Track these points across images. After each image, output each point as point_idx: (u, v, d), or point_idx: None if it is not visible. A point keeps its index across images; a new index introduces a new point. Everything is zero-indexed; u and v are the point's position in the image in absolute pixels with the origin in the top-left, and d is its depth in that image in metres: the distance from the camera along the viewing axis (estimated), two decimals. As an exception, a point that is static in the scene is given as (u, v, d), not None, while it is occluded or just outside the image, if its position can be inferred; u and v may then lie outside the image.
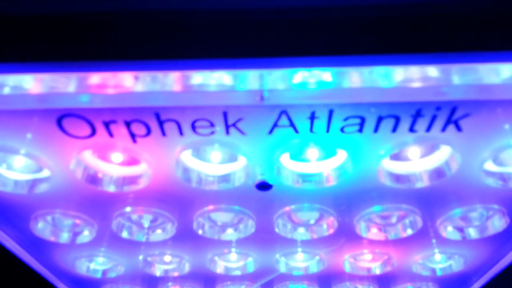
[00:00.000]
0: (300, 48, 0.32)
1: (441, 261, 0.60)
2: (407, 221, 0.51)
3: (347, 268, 0.62)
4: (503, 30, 0.32)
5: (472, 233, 0.51)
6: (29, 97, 0.30)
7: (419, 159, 0.39)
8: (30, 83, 0.30)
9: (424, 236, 0.52)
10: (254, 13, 0.33)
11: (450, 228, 0.51)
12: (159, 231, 0.53)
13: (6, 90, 0.30)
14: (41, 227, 0.50)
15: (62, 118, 0.32)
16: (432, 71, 0.30)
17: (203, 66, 0.30)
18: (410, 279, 0.66)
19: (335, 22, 0.33)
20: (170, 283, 0.68)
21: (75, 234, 0.53)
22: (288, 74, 0.31)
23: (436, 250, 0.57)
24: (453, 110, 0.31)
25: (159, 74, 0.30)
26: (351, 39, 0.32)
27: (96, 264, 0.62)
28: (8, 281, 0.70)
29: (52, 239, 0.51)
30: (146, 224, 0.52)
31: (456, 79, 0.30)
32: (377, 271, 0.62)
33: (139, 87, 0.30)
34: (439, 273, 0.62)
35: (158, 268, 0.63)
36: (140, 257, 0.58)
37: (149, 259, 0.61)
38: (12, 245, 0.53)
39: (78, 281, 0.66)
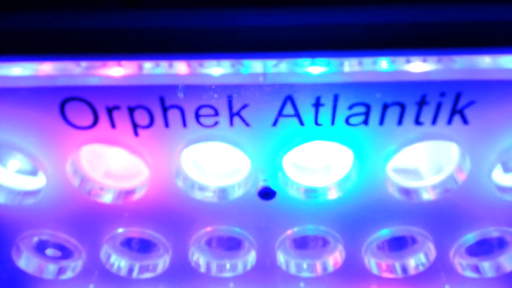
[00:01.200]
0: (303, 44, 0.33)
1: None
2: (418, 256, 0.47)
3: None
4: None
5: (487, 270, 0.47)
6: (36, 77, 0.31)
7: (427, 166, 0.38)
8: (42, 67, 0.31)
9: (436, 276, 0.49)
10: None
11: (464, 265, 0.48)
12: (150, 271, 0.49)
13: (17, 71, 0.31)
14: (26, 257, 0.46)
15: (66, 102, 0.32)
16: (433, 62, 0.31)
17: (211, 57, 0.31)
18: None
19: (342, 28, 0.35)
20: None
21: (61, 269, 0.49)
22: (293, 65, 0.31)
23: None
24: (457, 97, 0.31)
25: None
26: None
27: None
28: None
29: (37, 273, 0.47)
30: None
31: (456, 65, 0.31)
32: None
33: (146, 71, 0.31)
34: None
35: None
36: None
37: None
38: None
39: None
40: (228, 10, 0.35)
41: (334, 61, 0.31)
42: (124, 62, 0.32)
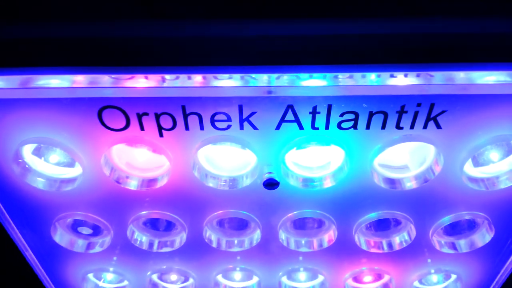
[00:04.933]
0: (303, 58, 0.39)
1: (438, 282, 0.63)
2: (402, 235, 0.54)
3: (348, 291, 0.64)
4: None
5: (463, 246, 0.55)
6: (78, 89, 0.37)
7: (409, 161, 0.45)
8: (80, 79, 0.37)
9: (418, 252, 0.56)
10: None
11: (442, 243, 0.55)
12: (168, 246, 0.56)
13: (56, 83, 0.37)
14: (61, 234, 0.53)
15: (103, 109, 0.38)
16: (413, 77, 0.37)
17: (222, 71, 0.37)
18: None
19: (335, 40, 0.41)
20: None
21: (90, 244, 0.56)
22: (293, 79, 0.37)
23: (432, 270, 0.60)
24: (431, 107, 0.37)
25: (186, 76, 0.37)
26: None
27: (104, 282, 0.64)
28: None
29: (69, 247, 0.54)
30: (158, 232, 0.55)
31: (434, 81, 0.36)
32: (377, 295, 0.64)
33: (169, 83, 0.37)
34: (437, 297, 0.64)
35: (162, 289, 0.65)
36: (148, 273, 0.61)
37: (154, 277, 0.63)
38: (30, 255, 0.56)
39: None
40: (238, 23, 0.41)
41: (328, 75, 0.37)
42: (150, 75, 0.38)
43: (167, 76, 0.37)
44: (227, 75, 0.37)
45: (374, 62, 0.38)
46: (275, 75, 0.37)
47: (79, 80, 0.38)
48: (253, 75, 0.37)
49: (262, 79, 0.37)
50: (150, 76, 0.37)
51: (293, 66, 0.38)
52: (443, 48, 0.40)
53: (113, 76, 0.37)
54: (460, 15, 0.40)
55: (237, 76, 0.37)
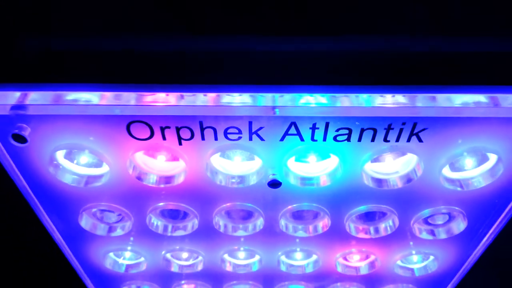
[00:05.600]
0: (304, 79, 0.45)
1: (418, 262, 0.71)
2: (387, 223, 0.62)
3: (339, 268, 0.72)
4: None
5: (441, 233, 0.62)
6: (107, 106, 0.42)
7: (393, 166, 0.51)
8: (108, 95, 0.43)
9: (402, 237, 0.64)
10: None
11: (423, 230, 0.62)
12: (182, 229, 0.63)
13: (86, 98, 0.43)
14: (86, 219, 0.60)
15: (131, 123, 0.44)
16: (400, 97, 0.43)
17: (234, 90, 0.43)
18: (392, 280, 0.76)
19: (332, 60, 0.46)
20: (183, 281, 0.78)
21: (112, 228, 0.63)
22: (295, 97, 0.43)
23: (413, 252, 0.68)
24: (414, 125, 0.43)
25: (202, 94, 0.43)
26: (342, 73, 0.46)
27: (123, 259, 0.72)
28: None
29: (93, 231, 0.61)
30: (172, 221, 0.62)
31: (417, 103, 0.42)
32: (364, 271, 0.73)
33: (190, 102, 0.43)
34: (417, 274, 0.72)
35: (174, 265, 0.73)
36: (163, 252, 0.68)
37: (168, 255, 0.71)
38: (57, 237, 0.63)
39: (102, 277, 0.75)
40: (248, 40, 0.47)
41: (327, 97, 0.43)
42: (170, 94, 0.43)
43: (186, 94, 0.43)
44: (237, 94, 0.43)
45: (366, 83, 0.44)
46: (278, 95, 0.43)
47: (107, 96, 0.43)
48: (263, 94, 0.43)
49: (269, 99, 0.43)
50: (171, 94, 0.43)
51: (296, 86, 0.44)
52: (427, 69, 0.47)
53: (139, 93, 0.43)
54: (442, 33, 0.46)
55: (247, 95, 0.43)
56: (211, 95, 0.43)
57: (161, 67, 0.47)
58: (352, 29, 0.46)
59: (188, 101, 0.43)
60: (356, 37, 0.46)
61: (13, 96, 0.44)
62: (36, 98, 0.44)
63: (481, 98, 0.42)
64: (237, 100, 0.43)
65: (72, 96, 0.44)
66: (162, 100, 0.43)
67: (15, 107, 0.43)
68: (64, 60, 0.48)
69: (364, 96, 0.43)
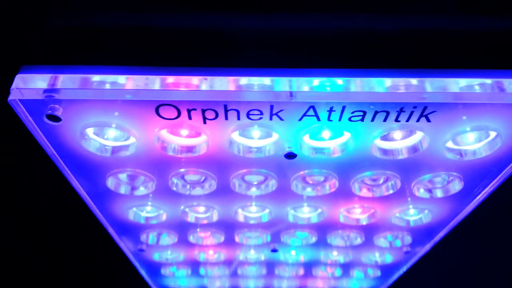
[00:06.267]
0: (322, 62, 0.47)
1: (414, 215, 0.78)
2: (389, 183, 0.67)
3: (341, 219, 0.79)
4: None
5: (438, 193, 0.68)
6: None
7: (401, 140, 0.55)
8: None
9: (401, 195, 0.69)
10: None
11: (421, 190, 0.68)
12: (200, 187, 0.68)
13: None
14: (112, 181, 0.65)
15: (160, 106, 0.46)
16: (412, 81, 0.46)
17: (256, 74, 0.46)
18: (389, 228, 0.83)
19: (349, 42, 0.48)
20: (198, 229, 0.85)
21: (134, 188, 0.68)
22: (311, 81, 0.46)
23: (410, 206, 0.74)
24: (424, 108, 0.46)
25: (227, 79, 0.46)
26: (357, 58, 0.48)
27: (145, 212, 0.78)
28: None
29: (117, 190, 0.66)
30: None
31: (427, 88, 0.45)
32: (364, 222, 0.80)
33: (215, 87, 0.45)
34: (412, 224, 0.80)
35: (191, 216, 0.79)
36: (182, 207, 0.74)
37: (186, 209, 0.77)
38: (83, 195, 0.68)
39: (124, 226, 0.82)
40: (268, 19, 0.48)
41: (343, 81, 0.46)
42: (195, 77, 0.46)
43: (211, 77, 0.46)
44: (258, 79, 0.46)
45: (383, 67, 0.47)
46: (295, 80, 0.46)
47: (136, 80, 0.46)
48: (281, 79, 0.46)
49: (286, 83, 0.46)
50: (195, 78, 0.46)
51: (313, 69, 0.46)
52: (438, 53, 0.49)
53: (166, 77, 0.46)
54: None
55: (268, 79, 0.46)
56: (234, 79, 0.46)
57: (185, 48, 0.49)
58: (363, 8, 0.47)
59: (213, 85, 0.45)
60: (367, 16, 0.48)
61: (45, 80, 0.46)
62: (67, 81, 0.46)
63: (487, 82, 0.45)
64: (258, 84, 0.46)
65: (101, 79, 0.46)
66: (189, 83, 0.46)
67: (47, 91, 0.45)
68: (91, 41, 0.49)
69: (378, 81, 0.45)
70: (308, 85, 0.46)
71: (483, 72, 0.47)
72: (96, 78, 0.47)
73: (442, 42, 0.49)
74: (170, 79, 0.46)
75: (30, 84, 0.46)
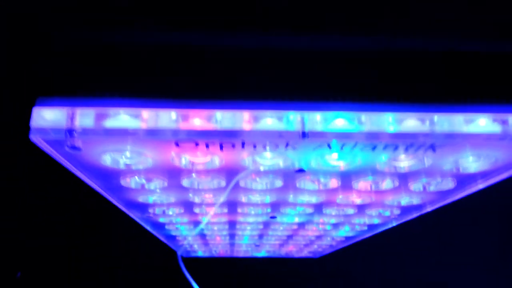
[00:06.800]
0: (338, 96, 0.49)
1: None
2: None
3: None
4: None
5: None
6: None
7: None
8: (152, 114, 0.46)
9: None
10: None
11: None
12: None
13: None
14: (124, 180, 0.67)
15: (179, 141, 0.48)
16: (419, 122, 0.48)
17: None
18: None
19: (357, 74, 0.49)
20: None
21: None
22: (324, 120, 0.47)
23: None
24: (432, 144, 0.49)
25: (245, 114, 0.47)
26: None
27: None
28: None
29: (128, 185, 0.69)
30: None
31: (437, 129, 0.47)
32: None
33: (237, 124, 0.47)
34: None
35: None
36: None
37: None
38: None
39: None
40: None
41: (356, 120, 0.47)
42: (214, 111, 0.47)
43: (227, 112, 0.47)
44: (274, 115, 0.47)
45: (390, 102, 0.49)
46: (307, 116, 0.47)
47: (153, 118, 0.46)
48: (293, 117, 0.47)
49: (299, 122, 0.47)
50: (215, 112, 0.47)
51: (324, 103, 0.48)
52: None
53: (179, 112, 0.47)
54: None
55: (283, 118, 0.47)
56: (251, 115, 0.47)
57: (201, 79, 0.49)
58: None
59: (234, 122, 0.47)
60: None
61: (63, 115, 0.46)
62: (85, 117, 0.46)
63: (496, 128, 0.47)
64: (272, 123, 0.48)
65: (116, 118, 0.47)
66: (208, 115, 0.47)
67: (69, 131, 0.46)
68: (107, 68, 0.49)
69: (389, 119, 0.48)
70: (322, 124, 0.48)
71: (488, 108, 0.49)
72: (113, 111, 0.47)
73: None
74: (190, 116, 0.47)
75: (49, 121, 0.46)
